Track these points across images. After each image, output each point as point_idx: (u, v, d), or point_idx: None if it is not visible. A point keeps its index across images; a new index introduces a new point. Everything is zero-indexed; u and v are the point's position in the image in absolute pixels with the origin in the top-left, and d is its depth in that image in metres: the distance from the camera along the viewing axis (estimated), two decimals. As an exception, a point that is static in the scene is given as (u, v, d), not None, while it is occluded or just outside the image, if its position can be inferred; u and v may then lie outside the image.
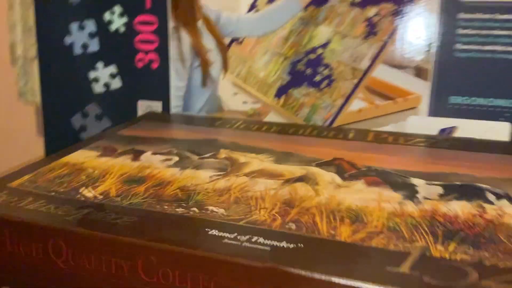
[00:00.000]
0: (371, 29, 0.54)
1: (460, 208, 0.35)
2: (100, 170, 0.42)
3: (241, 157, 0.45)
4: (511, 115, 0.52)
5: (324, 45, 0.56)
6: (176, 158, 0.45)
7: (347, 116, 0.57)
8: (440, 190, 0.38)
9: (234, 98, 0.62)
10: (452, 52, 0.52)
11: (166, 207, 0.35)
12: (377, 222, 0.33)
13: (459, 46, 0.52)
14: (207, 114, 0.63)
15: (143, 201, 0.36)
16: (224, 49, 0.61)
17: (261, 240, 0.30)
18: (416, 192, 0.38)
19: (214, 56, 0.61)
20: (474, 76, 0.52)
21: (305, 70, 0.58)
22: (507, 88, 0.51)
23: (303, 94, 0.58)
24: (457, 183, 0.39)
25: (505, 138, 0.52)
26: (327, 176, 0.41)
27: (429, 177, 0.40)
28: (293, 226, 0.32)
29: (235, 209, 0.35)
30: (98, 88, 0.67)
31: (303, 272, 0.27)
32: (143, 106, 0.66)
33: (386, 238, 0.31)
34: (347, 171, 0.42)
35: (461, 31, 0.52)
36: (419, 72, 0.54)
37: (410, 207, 0.35)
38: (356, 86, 0.56)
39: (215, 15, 0.60)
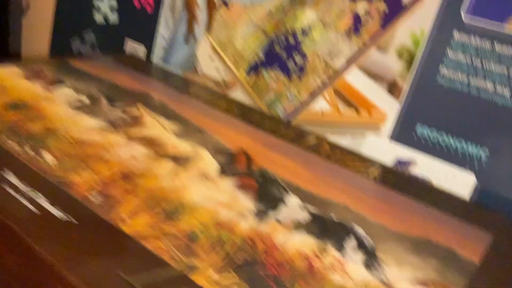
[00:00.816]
0: (356, 26, 0.47)
1: (299, 243, 0.29)
2: (4, 89, 0.42)
3: (148, 118, 0.42)
4: (479, 167, 0.43)
5: (305, 32, 0.50)
6: (85, 99, 0.44)
7: (308, 115, 0.51)
8: (305, 217, 0.32)
9: (209, 63, 0.58)
10: (435, 75, 0.44)
11: (10, 142, 0.34)
12: (186, 225, 0.29)
13: (444, 70, 0.44)
14: (182, 71, 0.60)
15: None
16: (213, 7, 0.57)
17: (46, 201, 0.28)
18: (276, 210, 0.33)
19: (201, 15, 0.58)
20: (451, 110, 0.44)
21: (281, 53, 0.53)
22: (483, 135, 0.43)
23: (273, 78, 0.53)
24: (333, 217, 0.33)
25: (466, 191, 0.43)
26: (205, 165, 0.37)
27: (312, 201, 0.34)
28: (98, 200, 0.29)
29: (68, 163, 0.33)
30: (98, 18, 0.67)
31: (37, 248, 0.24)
32: (130, 46, 0.65)
33: (170, 244, 0.27)
34: (235, 165, 0.38)
35: (450, 54, 0.43)
36: (393, 88, 0.47)
37: (248, 223, 0.30)
38: (325, 85, 0.50)
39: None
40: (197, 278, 0.24)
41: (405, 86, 0.46)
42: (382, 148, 0.47)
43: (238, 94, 0.56)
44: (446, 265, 0.30)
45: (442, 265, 0.30)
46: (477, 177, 0.43)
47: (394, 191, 0.39)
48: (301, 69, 0.52)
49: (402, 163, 0.46)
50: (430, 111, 0.45)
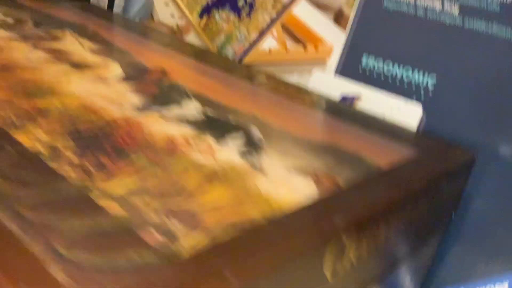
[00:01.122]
0: (302, -46, 0.44)
1: (172, 131, 0.26)
2: None
3: (68, 38, 0.40)
4: (425, 95, 0.38)
5: (254, -35, 0.48)
6: (10, 20, 0.42)
7: (257, 54, 0.48)
8: (195, 116, 0.29)
9: (164, 9, 0.56)
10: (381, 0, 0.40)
11: None
12: (44, 103, 0.26)
13: (390, -7, 0.40)
14: (139, 19, 0.58)
15: None
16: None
17: None
18: (165, 107, 0.29)
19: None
20: (398, 36, 0.40)
21: (232, -9, 0.50)
22: (430, 61, 0.38)
23: (224, 19, 0.50)
24: (228, 118, 0.30)
25: (413, 123, 0.39)
26: (108, 72, 0.34)
27: (215, 108, 0.31)
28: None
29: None
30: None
31: None
32: (95, 0, 0.63)
33: (11, 112, 0.24)
34: (144, 78, 0.35)
35: (396, -26, 0.39)
36: (339, 18, 0.43)
37: (123, 111, 0.27)
38: (274, 21, 0.47)
39: None
40: (17, 134, 0.21)
41: (351, 14, 0.42)
42: (327, 84, 0.43)
43: (192, 39, 0.54)
44: (342, 163, 0.26)
45: (337, 163, 0.26)
46: (424, 107, 0.38)
47: (320, 113, 0.35)
48: (251, 6, 0.49)
49: (347, 99, 0.42)
50: (376, 40, 0.41)
